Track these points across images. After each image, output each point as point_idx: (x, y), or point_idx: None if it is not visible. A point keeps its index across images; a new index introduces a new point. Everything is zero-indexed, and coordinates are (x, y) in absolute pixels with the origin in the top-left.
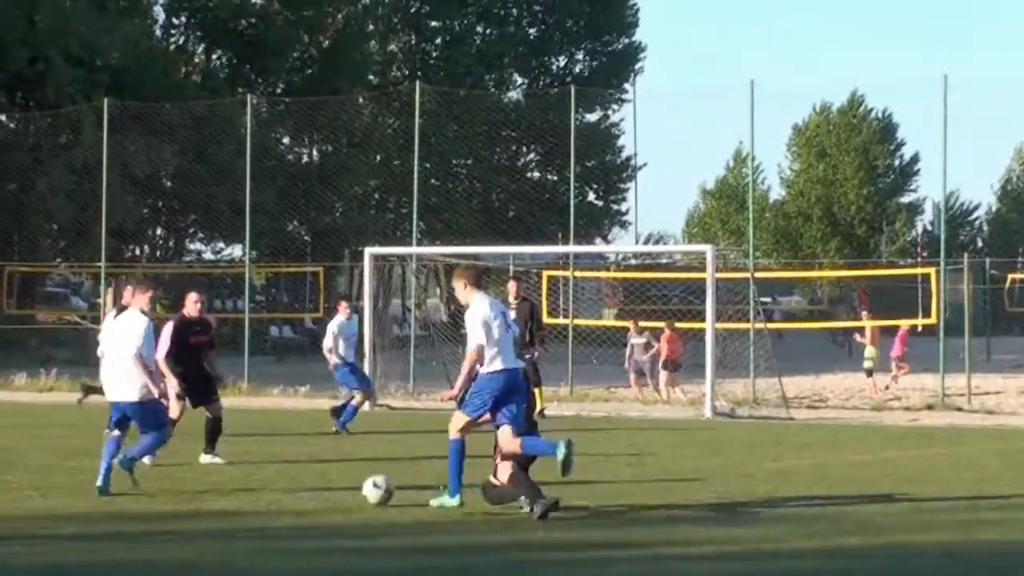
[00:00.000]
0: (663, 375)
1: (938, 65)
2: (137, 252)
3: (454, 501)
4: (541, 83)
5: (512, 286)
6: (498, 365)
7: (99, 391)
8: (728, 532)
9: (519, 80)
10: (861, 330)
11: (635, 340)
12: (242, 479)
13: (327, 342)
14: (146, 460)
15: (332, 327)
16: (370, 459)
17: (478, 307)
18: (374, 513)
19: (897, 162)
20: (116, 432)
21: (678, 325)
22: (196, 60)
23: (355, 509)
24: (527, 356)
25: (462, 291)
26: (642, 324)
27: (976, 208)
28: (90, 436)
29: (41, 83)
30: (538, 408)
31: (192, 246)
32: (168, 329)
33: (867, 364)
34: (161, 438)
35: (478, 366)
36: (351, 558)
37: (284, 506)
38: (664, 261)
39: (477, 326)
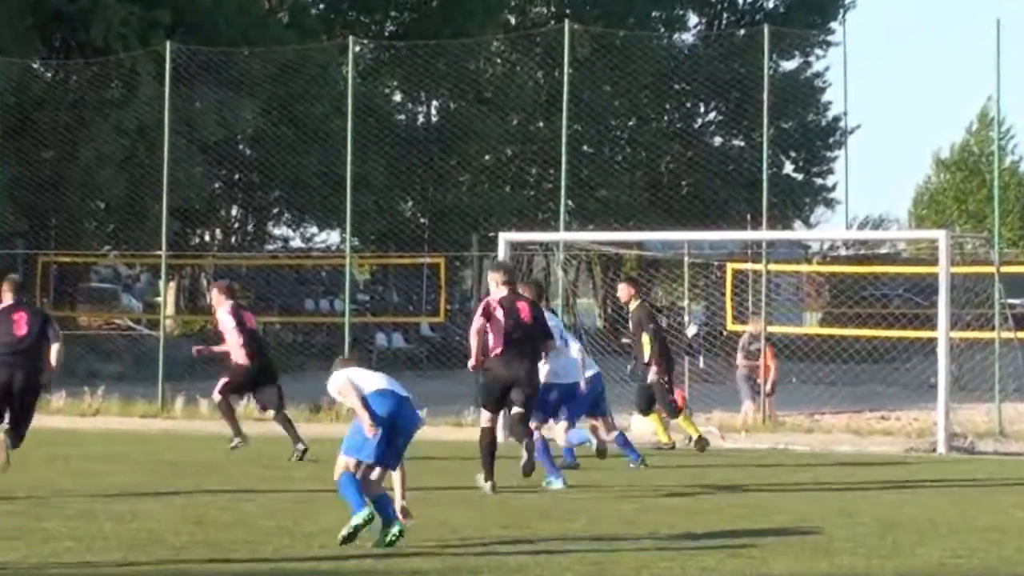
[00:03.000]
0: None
1: None
2: (207, 238)
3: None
4: (723, 22)
5: (624, 289)
6: None
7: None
8: None
9: (695, 19)
10: None
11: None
12: (341, 528)
13: None
14: None
15: None
16: (500, 494)
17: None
18: (509, 574)
19: None
20: None
21: (903, 333)
22: None
23: (484, 569)
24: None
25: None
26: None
27: None
28: (145, 471)
29: (85, 22)
30: (666, 441)
31: (277, 231)
32: None
33: None
34: None
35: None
36: None
37: (395, 565)
38: (884, 251)
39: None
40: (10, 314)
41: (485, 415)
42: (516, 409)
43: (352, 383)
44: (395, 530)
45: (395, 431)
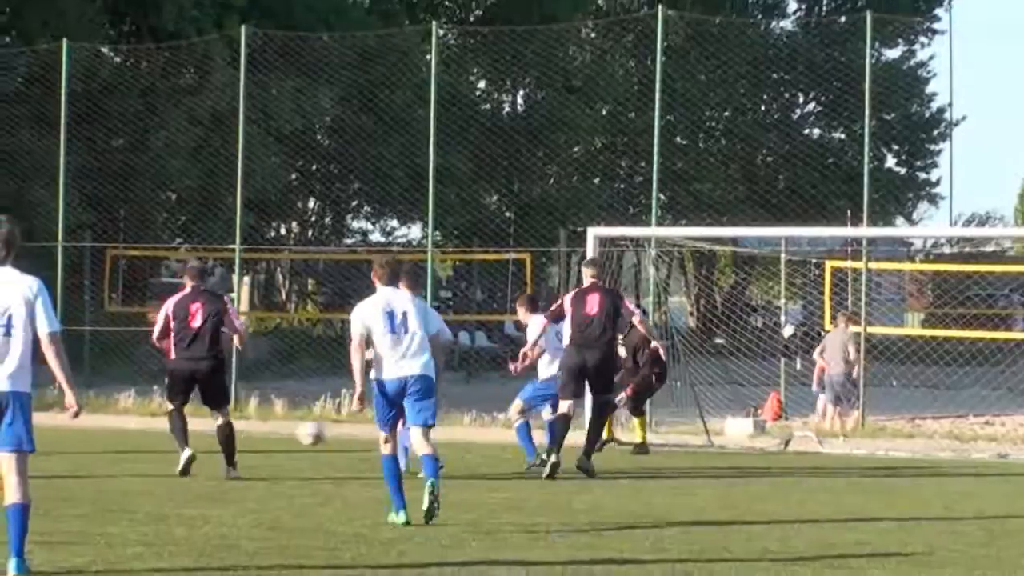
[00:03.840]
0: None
1: None
2: (282, 231)
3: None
4: (824, 9)
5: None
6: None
7: None
8: None
9: (794, 5)
10: None
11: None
12: (423, 534)
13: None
14: None
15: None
16: (591, 505)
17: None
18: None
19: None
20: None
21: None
22: None
23: None
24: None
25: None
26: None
27: None
28: (218, 474)
29: (156, 5)
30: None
31: (355, 224)
32: None
33: None
34: None
35: None
36: None
37: (478, 574)
38: (989, 249)
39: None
40: (188, 304)
41: (563, 403)
42: (593, 398)
43: None
44: None
45: None
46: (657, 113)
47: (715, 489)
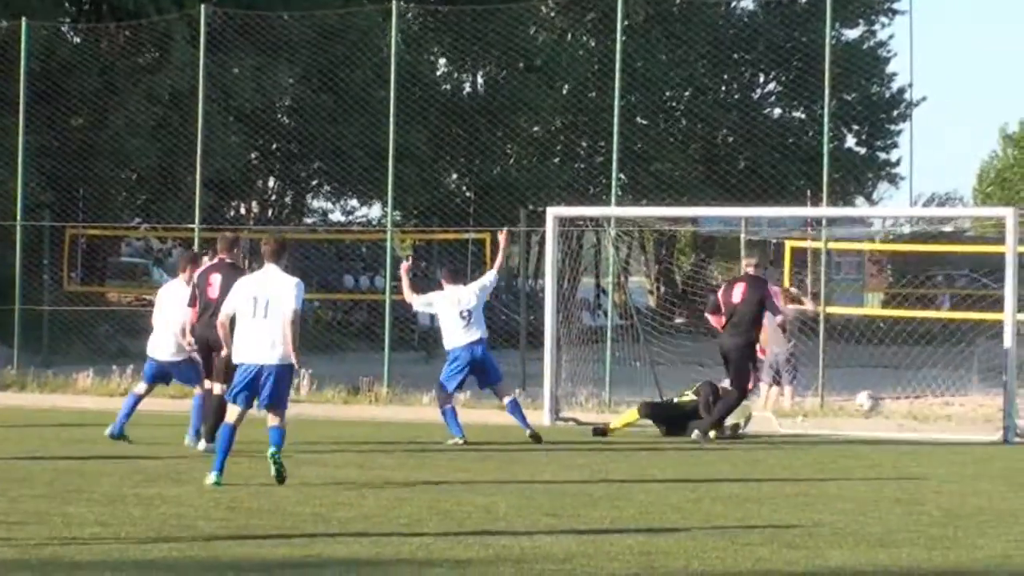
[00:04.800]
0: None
1: None
2: (243, 211)
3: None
4: None
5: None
6: None
7: None
8: None
9: None
10: None
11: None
12: (381, 515)
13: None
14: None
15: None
16: (548, 482)
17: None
18: (555, 564)
19: None
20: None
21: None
22: None
23: (530, 558)
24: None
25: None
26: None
27: None
28: (176, 455)
29: None
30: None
31: (316, 204)
32: None
33: None
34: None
35: None
36: None
37: (436, 552)
38: (948, 230)
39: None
40: (208, 274)
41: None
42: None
43: None
44: None
45: None
46: (617, 93)
47: (673, 469)
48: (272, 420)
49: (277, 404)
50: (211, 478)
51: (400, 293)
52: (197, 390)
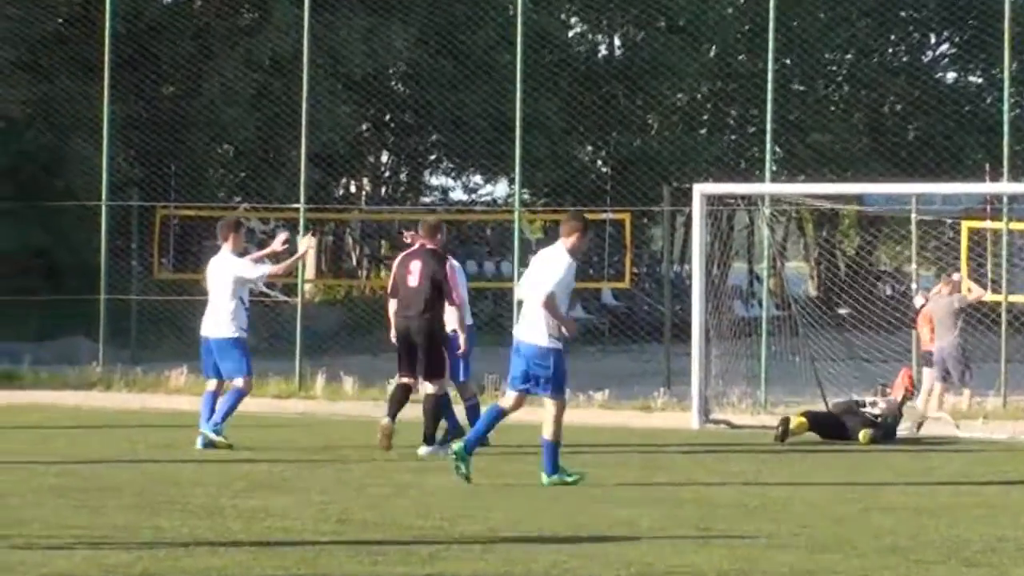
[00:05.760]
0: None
1: None
2: (352, 188)
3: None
4: None
5: None
6: None
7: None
8: None
9: None
10: None
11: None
12: (510, 528)
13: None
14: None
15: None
16: (696, 492)
17: None
18: None
19: None
20: None
21: None
22: None
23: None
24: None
25: None
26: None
27: None
28: (280, 461)
29: None
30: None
31: (434, 180)
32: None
33: None
34: None
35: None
36: None
37: (572, 570)
38: None
39: None
40: (408, 262)
41: None
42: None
43: None
44: None
45: None
46: (771, 56)
47: (837, 477)
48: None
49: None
50: (454, 447)
51: None
52: (239, 381)
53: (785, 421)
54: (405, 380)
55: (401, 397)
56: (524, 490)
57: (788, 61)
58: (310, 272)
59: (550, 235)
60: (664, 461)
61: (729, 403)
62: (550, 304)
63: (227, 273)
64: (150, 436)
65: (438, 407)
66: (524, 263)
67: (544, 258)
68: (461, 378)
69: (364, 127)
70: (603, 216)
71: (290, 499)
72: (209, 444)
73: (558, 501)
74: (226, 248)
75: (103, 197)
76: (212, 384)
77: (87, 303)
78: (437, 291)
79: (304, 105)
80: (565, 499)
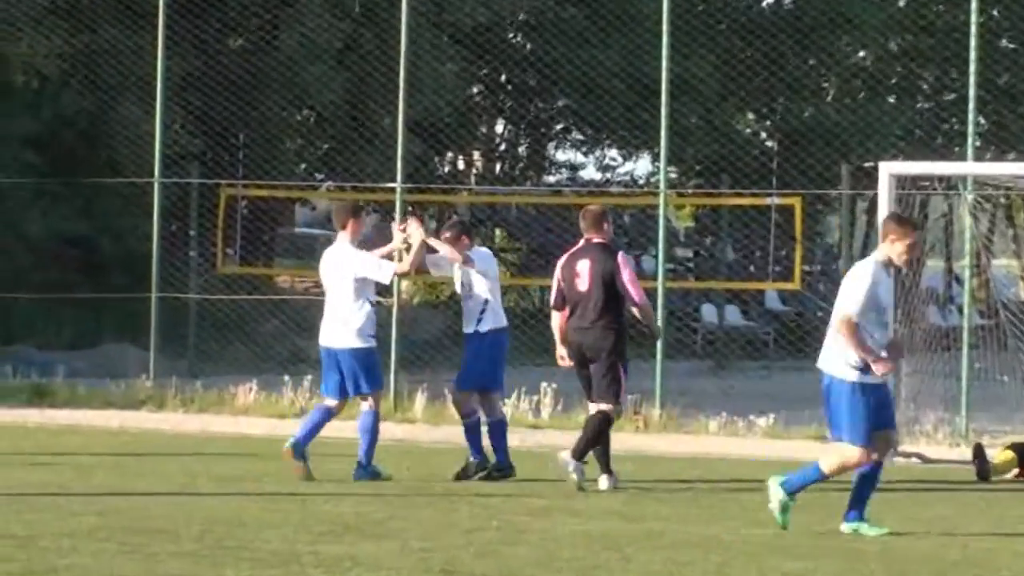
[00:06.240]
0: None
1: None
2: (461, 165)
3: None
4: None
5: None
6: None
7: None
8: None
9: None
10: None
11: None
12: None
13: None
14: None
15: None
16: (883, 542)
17: None
18: None
19: None
20: None
21: None
22: None
23: None
24: None
25: None
26: None
27: None
28: (372, 497)
29: None
30: None
31: (561, 155)
32: None
33: None
34: None
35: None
36: None
37: None
38: None
39: None
40: (575, 262)
41: None
42: None
43: None
44: None
45: None
46: (975, 6)
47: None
48: None
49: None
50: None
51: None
52: (367, 404)
53: (979, 451)
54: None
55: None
56: (670, 538)
57: (995, 13)
58: (408, 265)
59: (702, 222)
60: (835, 502)
61: (923, 432)
62: (846, 329)
63: (347, 270)
64: (212, 466)
65: (605, 429)
66: (670, 257)
67: (851, 272)
68: (488, 388)
69: (475, 90)
70: (767, 201)
71: (383, 545)
72: (373, 475)
73: (709, 551)
74: (344, 238)
75: (155, 173)
76: (331, 402)
77: (134, 302)
78: (611, 294)
79: (402, 62)
80: (716, 549)
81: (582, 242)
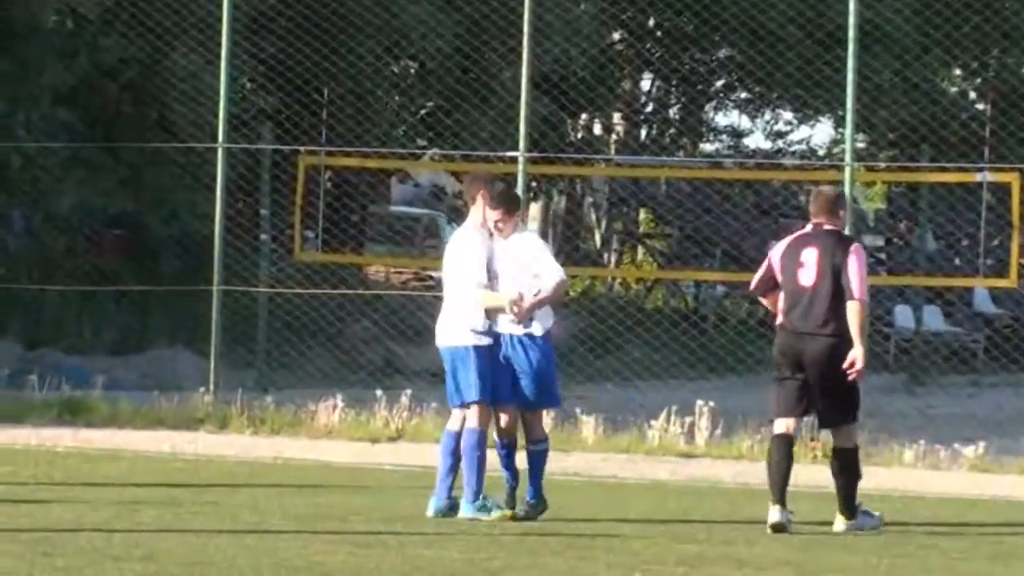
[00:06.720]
0: None
1: None
2: (597, 130)
3: None
4: None
5: None
6: None
7: None
8: None
9: None
10: None
11: None
12: None
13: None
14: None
15: None
16: None
17: None
18: None
19: None
20: None
21: None
22: None
23: None
24: None
25: None
26: None
27: None
28: (489, 540)
29: None
30: None
31: (722, 118)
32: None
33: None
34: None
35: None
36: None
37: None
38: None
39: None
40: (798, 250)
41: None
42: None
43: None
44: None
45: None
46: None
47: None
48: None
49: None
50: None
51: None
52: (455, 418)
53: None
54: (787, 429)
55: (785, 457)
56: None
57: None
58: None
59: (896, 203)
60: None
61: None
62: None
63: (462, 259)
64: (287, 501)
65: (855, 461)
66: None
67: None
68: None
69: (615, 37)
70: (977, 178)
71: None
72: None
73: None
74: (473, 216)
75: (220, 138)
76: (455, 419)
77: (191, 298)
78: (842, 292)
79: (527, 3)
80: None
81: (809, 227)
